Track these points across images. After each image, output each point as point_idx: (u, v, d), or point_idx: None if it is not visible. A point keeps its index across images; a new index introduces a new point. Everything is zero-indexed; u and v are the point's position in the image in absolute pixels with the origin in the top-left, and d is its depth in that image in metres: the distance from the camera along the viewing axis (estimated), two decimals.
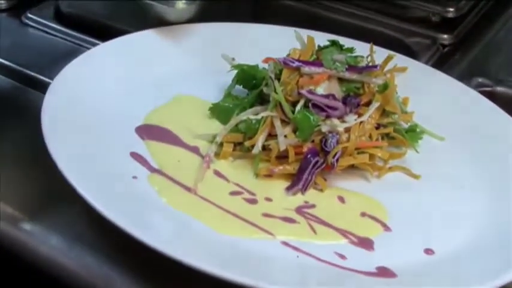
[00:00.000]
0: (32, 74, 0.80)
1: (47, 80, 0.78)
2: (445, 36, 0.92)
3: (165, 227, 0.61)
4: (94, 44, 0.83)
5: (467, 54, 0.90)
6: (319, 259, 0.59)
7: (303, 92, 0.68)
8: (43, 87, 0.72)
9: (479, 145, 0.73)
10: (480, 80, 0.85)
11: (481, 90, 0.82)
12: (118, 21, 0.85)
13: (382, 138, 0.70)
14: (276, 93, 0.68)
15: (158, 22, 0.82)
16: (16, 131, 0.73)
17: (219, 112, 0.73)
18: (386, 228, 0.63)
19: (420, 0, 0.93)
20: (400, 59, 0.79)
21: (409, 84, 0.77)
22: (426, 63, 0.87)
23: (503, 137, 0.74)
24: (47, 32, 0.88)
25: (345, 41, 0.75)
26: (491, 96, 0.82)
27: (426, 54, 0.89)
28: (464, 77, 0.84)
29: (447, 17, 0.92)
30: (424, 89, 0.78)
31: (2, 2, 0.92)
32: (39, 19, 0.90)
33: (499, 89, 0.85)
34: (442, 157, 0.72)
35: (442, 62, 0.88)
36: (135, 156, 0.67)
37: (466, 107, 0.78)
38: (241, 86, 0.76)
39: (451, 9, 0.92)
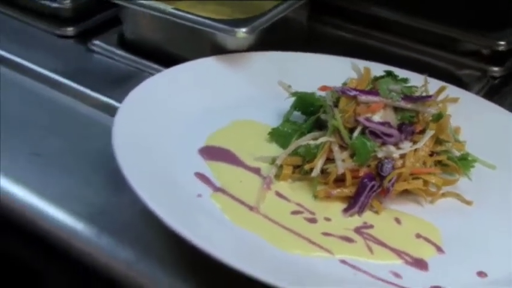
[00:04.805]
0: (97, 95, 0.85)
1: (111, 102, 0.83)
2: (496, 68, 0.95)
3: (229, 241, 0.64)
4: (155, 69, 0.89)
5: None
6: (375, 277, 0.62)
7: (360, 119, 0.71)
8: (107, 109, 0.82)
9: None
10: None
11: None
12: (178, 48, 0.89)
13: (436, 165, 0.73)
14: (335, 119, 0.71)
15: (217, 50, 0.86)
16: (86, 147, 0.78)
17: (278, 136, 0.77)
18: (440, 250, 0.65)
19: (472, 34, 0.96)
20: (452, 90, 0.82)
21: (461, 114, 0.79)
22: (477, 94, 0.89)
23: None
24: (111, 58, 0.93)
25: (399, 72, 0.79)
26: None
27: (477, 86, 0.92)
28: None
29: (498, 50, 0.94)
30: (475, 118, 0.81)
31: (70, 29, 0.98)
32: (104, 45, 0.95)
33: None
34: (493, 185, 0.74)
35: (493, 93, 0.90)
36: (199, 176, 0.71)
37: None
38: (299, 112, 0.79)
39: (502, 43, 0.94)
